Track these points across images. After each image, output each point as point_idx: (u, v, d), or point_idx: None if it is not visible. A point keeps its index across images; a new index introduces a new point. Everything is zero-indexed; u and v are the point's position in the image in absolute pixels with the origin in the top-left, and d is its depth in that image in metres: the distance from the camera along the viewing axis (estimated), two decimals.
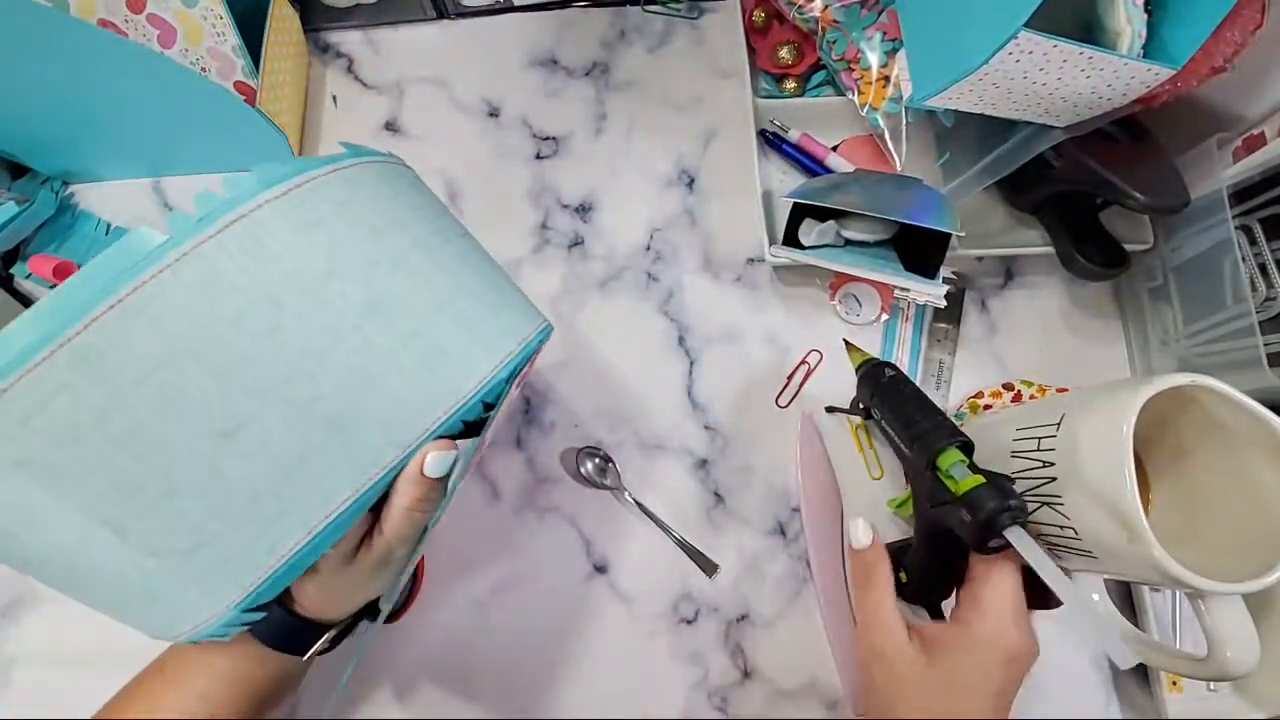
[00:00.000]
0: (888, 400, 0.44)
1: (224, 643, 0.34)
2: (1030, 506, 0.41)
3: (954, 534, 0.40)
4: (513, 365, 0.32)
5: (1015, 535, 0.35)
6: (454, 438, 0.32)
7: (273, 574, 0.29)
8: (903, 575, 0.47)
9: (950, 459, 0.39)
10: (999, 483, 0.37)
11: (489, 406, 0.32)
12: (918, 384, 0.55)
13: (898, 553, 0.48)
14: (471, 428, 0.32)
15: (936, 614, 0.47)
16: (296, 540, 0.29)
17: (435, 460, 0.30)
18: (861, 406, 0.48)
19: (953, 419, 0.53)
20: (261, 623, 0.32)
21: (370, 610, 0.39)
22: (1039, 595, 0.37)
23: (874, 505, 0.52)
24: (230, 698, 0.34)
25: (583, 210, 0.59)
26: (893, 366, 0.46)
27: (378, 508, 0.32)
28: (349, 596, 0.35)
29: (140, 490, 0.26)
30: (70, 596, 0.29)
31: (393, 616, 0.47)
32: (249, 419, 0.27)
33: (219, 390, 0.26)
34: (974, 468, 0.38)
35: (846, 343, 0.51)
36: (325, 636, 0.36)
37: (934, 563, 0.44)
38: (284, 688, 0.37)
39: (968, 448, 0.40)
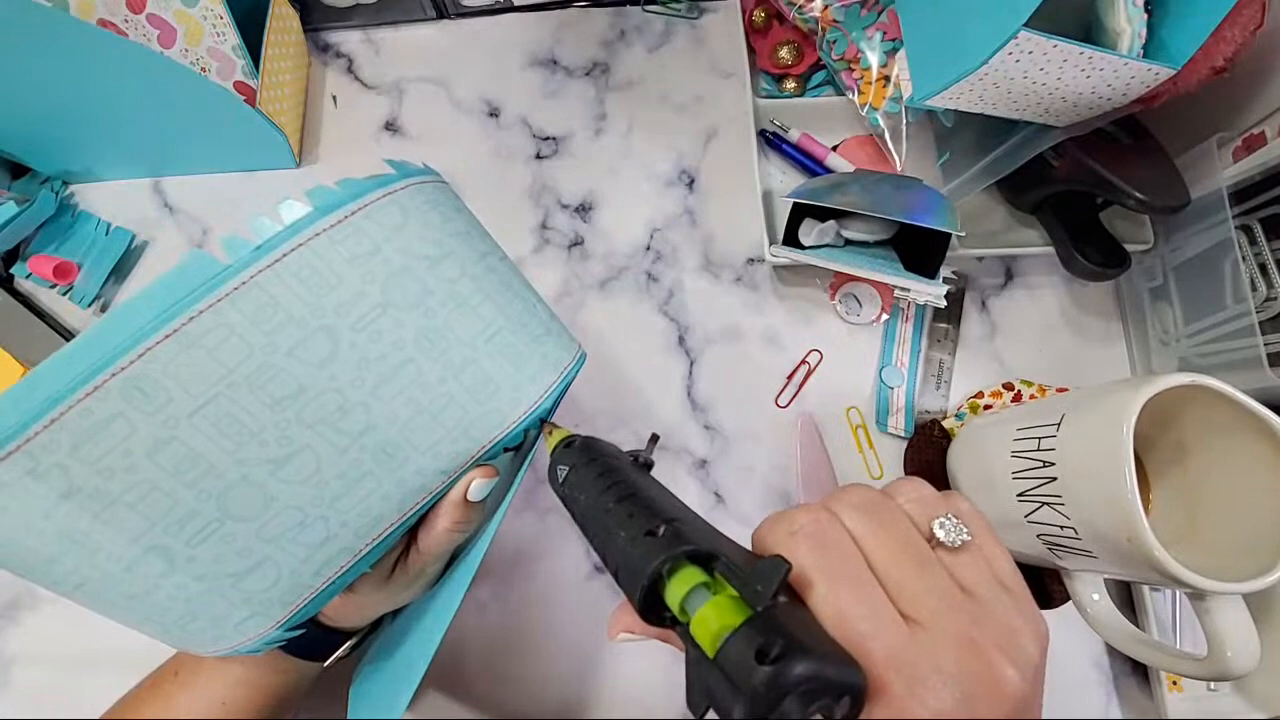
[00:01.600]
0: (578, 498, 0.27)
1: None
2: (1030, 507, 0.41)
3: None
4: (555, 394, 0.32)
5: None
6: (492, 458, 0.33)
7: (317, 594, 0.29)
8: None
9: (683, 583, 0.19)
10: (773, 618, 0.17)
11: (527, 433, 0.33)
12: (918, 385, 0.55)
13: None
14: (513, 448, 0.33)
15: None
16: (343, 563, 0.29)
17: (479, 487, 0.31)
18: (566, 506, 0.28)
19: (953, 419, 0.54)
20: None
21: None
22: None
23: None
24: (248, 703, 0.34)
25: (583, 210, 0.59)
26: (590, 438, 0.29)
27: (414, 526, 0.32)
28: (378, 608, 0.36)
29: (192, 518, 0.26)
30: (99, 614, 0.28)
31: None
32: (302, 447, 0.27)
33: (273, 419, 0.26)
34: (730, 586, 0.19)
35: (543, 422, 0.34)
36: (347, 644, 0.36)
37: None
38: (300, 691, 0.37)
39: (706, 558, 0.20)
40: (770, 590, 0.17)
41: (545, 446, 0.32)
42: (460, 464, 0.31)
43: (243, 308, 0.25)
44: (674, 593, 0.19)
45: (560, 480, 0.28)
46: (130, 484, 0.25)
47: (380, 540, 0.30)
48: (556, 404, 0.33)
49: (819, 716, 0.16)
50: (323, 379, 0.27)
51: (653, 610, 0.20)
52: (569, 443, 0.29)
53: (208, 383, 0.25)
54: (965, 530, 0.21)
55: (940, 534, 0.21)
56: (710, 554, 0.20)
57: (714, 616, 0.18)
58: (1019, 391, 0.54)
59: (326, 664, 0.36)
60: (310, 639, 0.34)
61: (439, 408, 0.29)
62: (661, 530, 0.21)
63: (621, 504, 0.24)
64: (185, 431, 0.25)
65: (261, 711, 0.35)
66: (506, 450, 0.33)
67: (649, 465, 0.29)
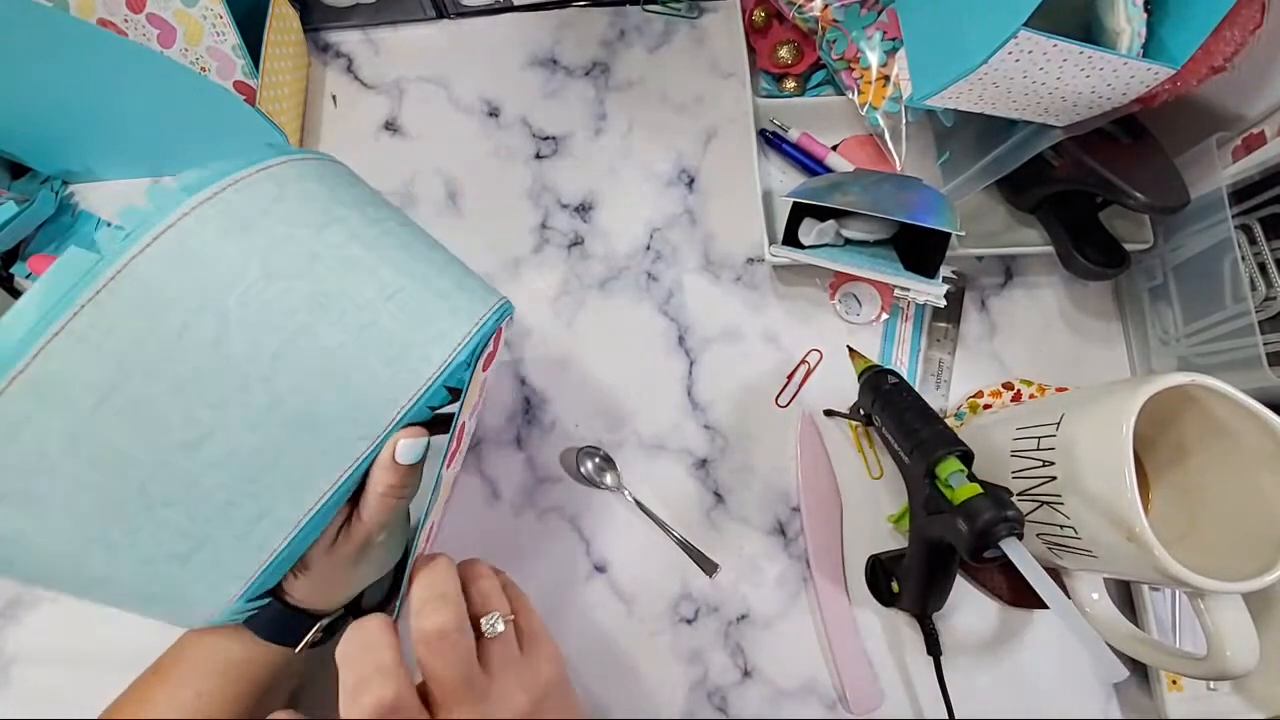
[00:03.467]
0: (888, 408, 0.44)
1: (218, 639, 0.35)
2: (1030, 506, 0.41)
3: (949, 544, 0.40)
4: (471, 347, 0.32)
5: (1011, 547, 0.35)
6: (429, 425, 0.32)
7: (266, 567, 0.30)
8: (895, 585, 0.48)
9: (949, 468, 0.39)
10: (997, 494, 0.37)
11: (454, 391, 0.32)
12: (918, 384, 0.55)
13: (890, 563, 0.49)
14: (443, 414, 0.32)
15: (928, 624, 0.47)
16: (283, 536, 0.29)
17: (406, 447, 0.30)
18: (862, 413, 0.48)
19: (953, 419, 0.54)
20: (255, 616, 0.33)
21: (356, 603, 0.39)
22: (1038, 596, 0.37)
23: (874, 505, 0.52)
24: (225, 692, 0.34)
25: (583, 210, 0.59)
26: (894, 374, 0.46)
27: (357, 496, 0.32)
28: (335, 585, 0.35)
29: (121, 507, 0.26)
30: (87, 600, 0.29)
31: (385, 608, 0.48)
32: (212, 429, 0.27)
33: (177, 404, 0.26)
34: (972, 478, 0.38)
35: (850, 349, 0.51)
36: (316, 627, 0.36)
37: (928, 573, 0.44)
38: (279, 681, 0.37)
39: (967, 457, 0.40)
40: (989, 482, 0.38)
41: (854, 368, 0.49)
42: (382, 427, 0.30)
43: (121, 297, 0.25)
44: (945, 468, 0.39)
45: (882, 388, 0.45)
46: (54, 483, 0.25)
47: (316, 511, 0.29)
48: (477, 357, 0.32)
49: (1013, 536, 0.35)
50: (218, 358, 0.27)
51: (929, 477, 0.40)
52: (876, 369, 0.47)
53: (104, 375, 0.25)
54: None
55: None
56: (967, 453, 0.40)
57: (965, 488, 0.37)
58: (1019, 391, 0.54)
59: (299, 649, 0.36)
60: (280, 623, 0.34)
61: (345, 373, 0.29)
62: (941, 430, 0.41)
63: (919, 413, 0.42)
64: (93, 426, 0.25)
65: (240, 702, 0.35)
66: (436, 410, 0.32)
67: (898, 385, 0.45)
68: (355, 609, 0.40)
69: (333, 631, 0.38)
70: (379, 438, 0.30)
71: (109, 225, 0.26)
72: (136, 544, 0.27)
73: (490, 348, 0.34)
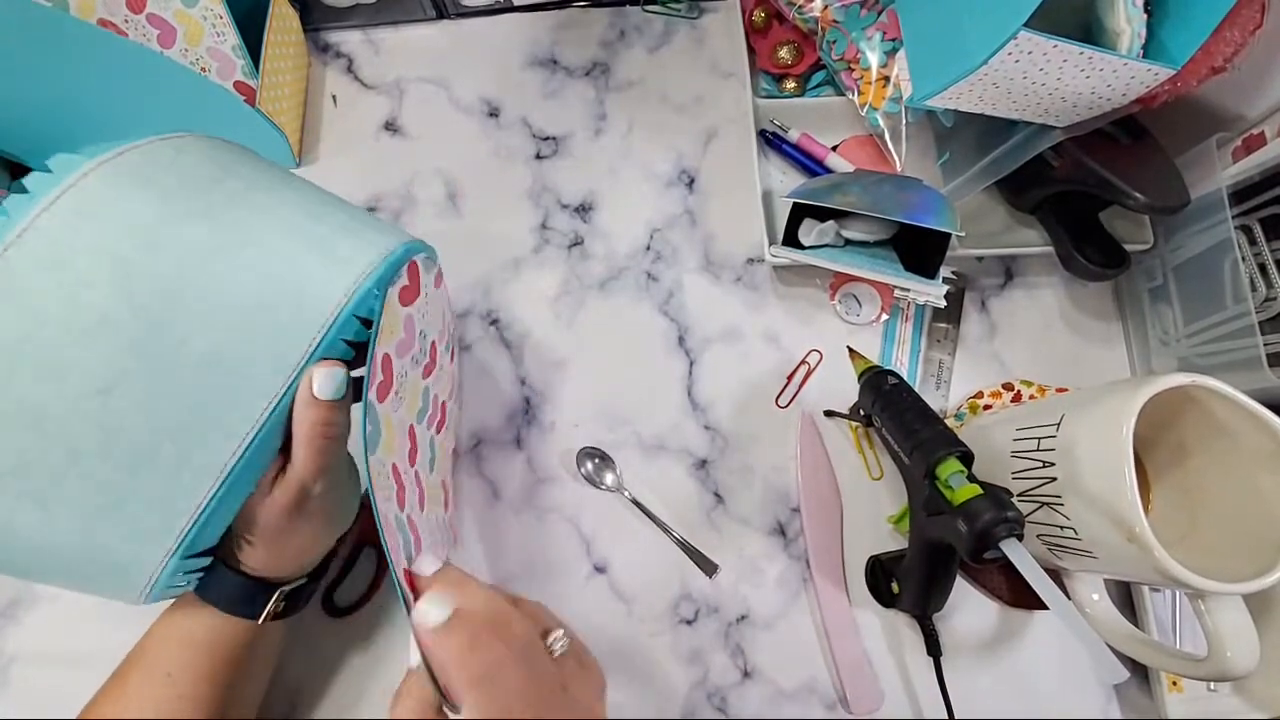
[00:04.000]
0: (889, 408, 0.44)
1: (182, 619, 0.35)
2: (1030, 507, 0.41)
3: (949, 545, 0.40)
4: (377, 275, 0.31)
5: (1011, 548, 0.35)
6: (353, 364, 0.32)
7: (198, 518, 0.29)
8: (895, 586, 0.48)
9: (949, 469, 0.39)
10: (997, 494, 0.37)
11: (368, 324, 0.31)
12: (918, 385, 0.55)
13: (890, 563, 0.49)
14: (361, 350, 0.32)
15: (928, 624, 0.47)
16: (212, 481, 0.29)
17: (322, 379, 0.30)
18: (862, 413, 0.48)
19: (953, 419, 0.54)
20: (213, 586, 0.33)
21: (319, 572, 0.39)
22: (1038, 596, 0.37)
23: (874, 505, 0.52)
24: (196, 669, 0.34)
25: (583, 210, 0.59)
26: (895, 375, 0.46)
27: (289, 447, 0.32)
28: (286, 547, 0.35)
29: (44, 459, 0.27)
30: (36, 580, 0.30)
31: (352, 610, 0.47)
32: (123, 373, 0.27)
33: (88, 352, 0.27)
34: (973, 478, 0.38)
35: (850, 350, 0.51)
36: (277, 595, 0.35)
37: (928, 573, 0.44)
38: (253, 654, 0.37)
39: (967, 458, 0.40)
40: (989, 483, 0.38)
41: (854, 368, 0.49)
42: (295, 362, 0.30)
43: (29, 250, 0.26)
44: (945, 469, 0.39)
45: (882, 388, 0.45)
46: None
47: (241, 457, 0.29)
48: (384, 286, 0.32)
49: (1013, 537, 0.35)
50: (121, 305, 0.27)
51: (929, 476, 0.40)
52: (877, 370, 0.47)
53: (16, 328, 0.26)
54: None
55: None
56: (967, 453, 0.40)
57: (965, 489, 0.37)
58: (1019, 391, 0.54)
59: (260, 619, 0.35)
60: (239, 593, 0.34)
61: (251, 312, 0.29)
62: (941, 431, 0.41)
63: (919, 414, 0.43)
64: (6, 379, 0.26)
65: (214, 678, 0.35)
66: (354, 344, 0.31)
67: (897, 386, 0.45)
68: (318, 575, 0.39)
69: (296, 600, 0.37)
70: (292, 374, 0.30)
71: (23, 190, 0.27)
72: (65, 497, 0.27)
73: (405, 280, 0.33)
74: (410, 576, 0.30)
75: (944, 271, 0.51)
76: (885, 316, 0.56)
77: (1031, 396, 0.53)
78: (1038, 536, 0.42)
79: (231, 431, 0.29)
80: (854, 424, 0.53)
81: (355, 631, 0.47)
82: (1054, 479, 0.39)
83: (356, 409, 0.31)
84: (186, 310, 0.28)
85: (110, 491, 0.28)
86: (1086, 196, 0.50)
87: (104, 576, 0.30)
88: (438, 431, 0.43)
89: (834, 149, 0.58)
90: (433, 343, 0.39)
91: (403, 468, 0.34)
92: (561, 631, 0.32)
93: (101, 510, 0.28)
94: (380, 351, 0.31)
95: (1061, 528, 0.40)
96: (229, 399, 0.29)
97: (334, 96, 0.62)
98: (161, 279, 0.28)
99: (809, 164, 0.58)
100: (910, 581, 0.46)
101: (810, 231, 0.52)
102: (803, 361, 0.55)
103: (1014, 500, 0.37)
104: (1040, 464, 0.40)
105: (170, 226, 0.28)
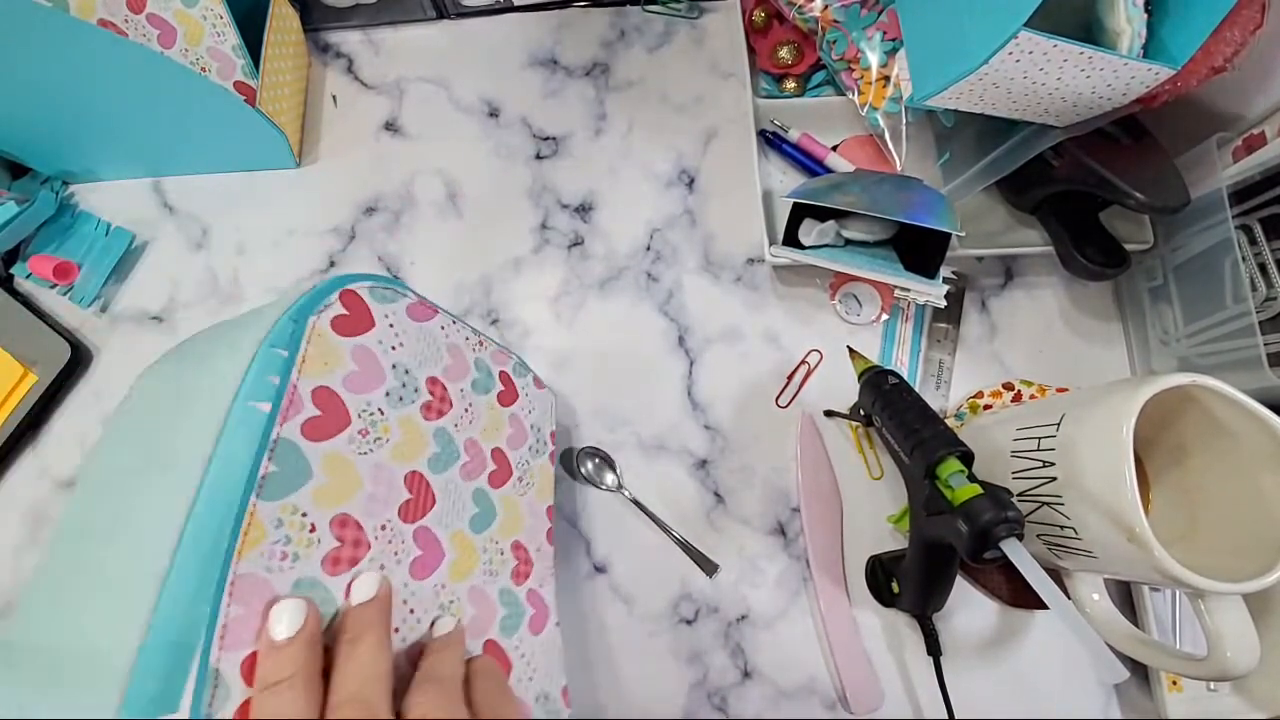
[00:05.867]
0: (889, 408, 0.44)
1: None
2: (1030, 507, 0.41)
3: (949, 545, 0.40)
4: (296, 307, 0.30)
5: (1011, 548, 0.35)
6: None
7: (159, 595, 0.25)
8: (895, 585, 0.48)
9: (949, 468, 0.39)
10: (997, 494, 0.37)
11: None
12: (918, 385, 0.55)
13: (890, 563, 0.49)
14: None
15: (928, 624, 0.47)
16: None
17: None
18: (862, 413, 0.48)
19: (953, 419, 0.54)
20: None
21: None
22: (1036, 595, 0.37)
23: (874, 505, 0.52)
24: None
25: (583, 210, 0.59)
26: (895, 374, 0.46)
27: None
28: None
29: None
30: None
31: None
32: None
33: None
34: (973, 478, 0.38)
35: (850, 350, 0.51)
36: None
37: (928, 573, 0.44)
38: None
39: (967, 458, 0.40)
40: (989, 483, 0.38)
41: (854, 368, 0.49)
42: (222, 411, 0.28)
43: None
44: (945, 469, 0.39)
45: (882, 388, 0.45)
46: None
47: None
48: (301, 318, 0.30)
49: (1013, 537, 0.35)
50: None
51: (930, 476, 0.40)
52: (877, 370, 0.47)
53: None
54: None
55: None
56: (967, 453, 0.40)
57: (965, 489, 0.37)
58: (1019, 391, 0.54)
59: None
60: None
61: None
62: (941, 430, 0.41)
63: (920, 414, 0.42)
64: None
65: None
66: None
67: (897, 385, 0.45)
68: None
69: None
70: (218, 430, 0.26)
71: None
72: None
73: (340, 309, 0.31)
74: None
75: (944, 271, 0.51)
76: (885, 316, 0.56)
77: (1031, 396, 0.53)
78: (1038, 536, 0.42)
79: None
80: (854, 424, 0.53)
81: None
82: (1054, 479, 0.39)
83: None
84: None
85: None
86: (1086, 196, 0.50)
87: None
88: (494, 485, 0.39)
89: (834, 149, 0.58)
90: (432, 379, 0.36)
91: (376, 519, 0.30)
92: None
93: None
94: (307, 383, 0.28)
95: (1061, 528, 0.40)
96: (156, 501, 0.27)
97: (334, 96, 0.62)
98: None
99: (809, 164, 0.58)
100: (910, 581, 0.46)
101: (810, 231, 0.52)
102: (803, 361, 0.55)
103: (1014, 500, 0.37)
104: (1040, 464, 0.40)
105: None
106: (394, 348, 0.33)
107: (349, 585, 0.28)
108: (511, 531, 0.39)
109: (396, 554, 0.31)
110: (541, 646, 0.39)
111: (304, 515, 0.27)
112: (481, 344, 0.41)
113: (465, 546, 0.35)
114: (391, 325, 0.34)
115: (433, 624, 0.32)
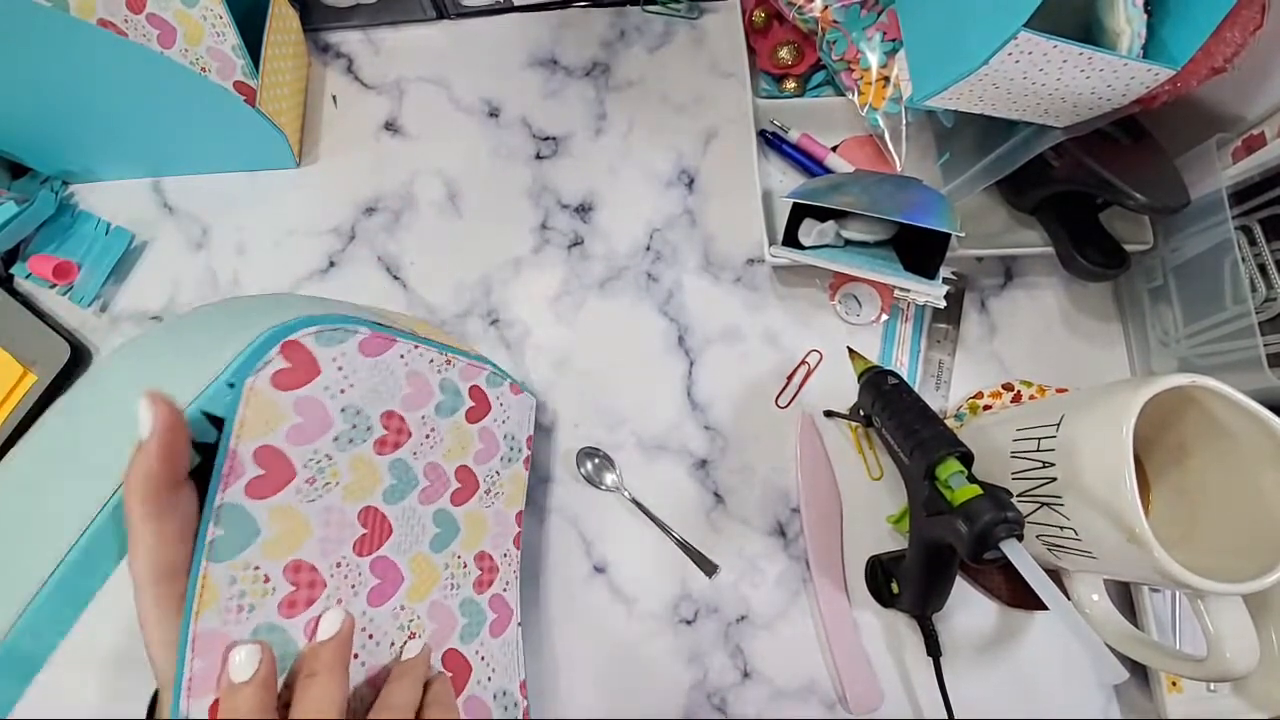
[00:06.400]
0: (889, 408, 0.44)
1: None
2: (1030, 507, 0.41)
3: (948, 545, 0.40)
4: (230, 370, 0.29)
5: (1011, 548, 0.35)
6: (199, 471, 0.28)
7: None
8: (895, 585, 0.48)
9: (949, 469, 0.39)
10: (997, 495, 0.37)
11: (218, 423, 0.28)
12: (917, 385, 0.55)
13: (890, 563, 0.49)
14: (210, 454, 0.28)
15: (928, 624, 0.47)
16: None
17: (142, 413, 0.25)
18: (862, 414, 0.48)
19: (953, 419, 0.54)
20: None
21: None
22: (1036, 595, 0.37)
23: (874, 506, 0.52)
24: None
25: (583, 210, 0.59)
26: (895, 375, 0.46)
27: None
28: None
29: None
30: None
31: None
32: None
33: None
34: (972, 479, 0.38)
35: (850, 350, 0.51)
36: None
37: (928, 573, 0.44)
38: None
39: (967, 458, 0.40)
40: (989, 483, 0.38)
41: (854, 368, 0.49)
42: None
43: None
44: (945, 469, 0.39)
45: (882, 388, 0.45)
46: None
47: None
48: (239, 379, 0.29)
49: (1013, 537, 0.35)
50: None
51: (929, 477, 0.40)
52: (876, 370, 0.47)
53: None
54: None
55: None
56: (967, 454, 0.40)
57: (965, 489, 0.37)
58: (1019, 392, 0.54)
59: None
60: None
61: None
62: (941, 431, 0.41)
63: (919, 414, 0.42)
64: None
65: None
66: (202, 449, 0.28)
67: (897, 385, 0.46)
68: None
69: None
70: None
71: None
72: None
73: (281, 364, 0.30)
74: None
75: (944, 272, 0.51)
76: (885, 316, 0.56)
77: (1031, 397, 0.53)
78: (1038, 537, 0.42)
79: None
80: (854, 424, 0.53)
81: None
82: (1054, 479, 0.39)
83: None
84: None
85: None
86: (1086, 196, 0.50)
87: None
88: (456, 503, 0.40)
89: (834, 149, 0.58)
90: (388, 414, 0.35)
91: (330, 559, 0.31)
92: None
93: None
94: (248, 446, 0.28)
95: (1061, 528, 0.40)
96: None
97: (334, 96, 0.62)
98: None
99: (809, 164, 0.58)
100: (910, 581, 0.46)
101: (810, 231, 0.52)
102: (803, 361, 0.55)
103: (1014, 500, 0.37)
104: (1040, 464, 0.40)
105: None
106: (343, 390, 0.33)
107: (314, 621, 0.29)
108: (475, 544, 0.40)
109: (354, 586, 0.32)
110: (501, 647, 0.40)
111: (256, 569, 0.28)
112: (449, 363, 0.41)
113: (426, 567, 0.36)
114: (340, 368, 0.33)
115: (403, 646, 0.33)
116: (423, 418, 0.38)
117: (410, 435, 0.37)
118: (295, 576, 0.29)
